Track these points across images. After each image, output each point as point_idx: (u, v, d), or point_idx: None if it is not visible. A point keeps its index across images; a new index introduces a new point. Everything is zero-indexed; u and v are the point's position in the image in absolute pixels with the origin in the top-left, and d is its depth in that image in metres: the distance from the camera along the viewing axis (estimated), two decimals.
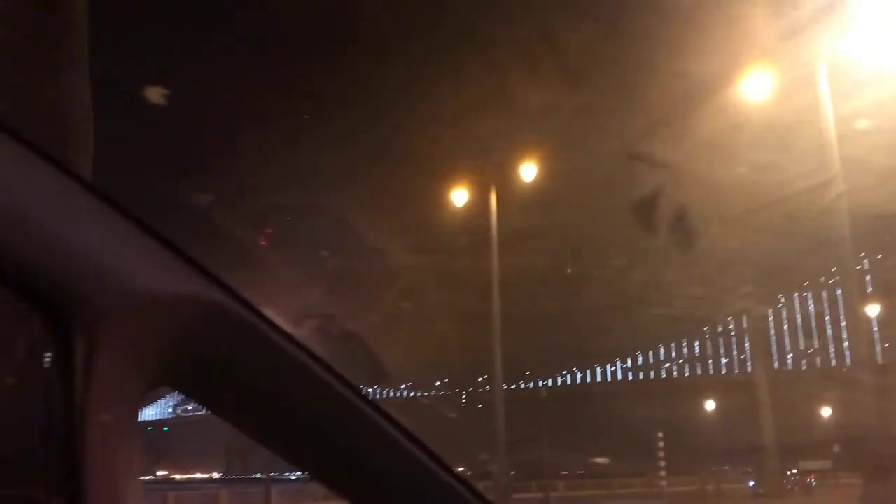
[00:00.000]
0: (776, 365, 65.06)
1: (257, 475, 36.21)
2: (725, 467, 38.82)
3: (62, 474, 0.69)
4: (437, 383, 69.24)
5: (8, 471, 0.77)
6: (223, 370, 0.83)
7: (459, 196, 20.76)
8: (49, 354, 0.74)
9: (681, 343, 72.42)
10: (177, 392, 0.89)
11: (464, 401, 66.60)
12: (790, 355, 70.18)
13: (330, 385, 0.88)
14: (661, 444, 31.27)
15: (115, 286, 0.73)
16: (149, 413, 61.72)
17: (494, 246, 19.31)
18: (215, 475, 58.72)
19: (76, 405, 0.70)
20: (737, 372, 65.66)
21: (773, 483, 31.86)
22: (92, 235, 0.74)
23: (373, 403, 0.91)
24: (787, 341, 70.44)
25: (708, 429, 46.76)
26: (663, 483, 31.03)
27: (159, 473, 51.66)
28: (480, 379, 57.63)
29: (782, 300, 67.91)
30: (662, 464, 31.18)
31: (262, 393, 0.86)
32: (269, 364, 0.84)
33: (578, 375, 74.60)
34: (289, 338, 0.85)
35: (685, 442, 39.14)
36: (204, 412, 0.90)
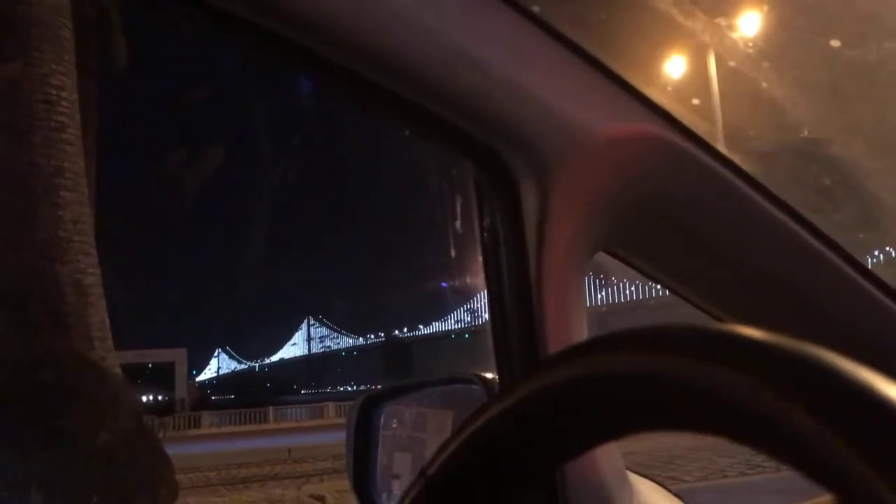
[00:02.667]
0: None
1: None
2: None
3: (517, 342, 0.67)
4: None
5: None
6: (675, 224, 0.73)
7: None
8: (489, 208, 0.69)
9: None
10: (618, 257, 0.77)
11: None
12: None
13: (804, 240, 0.74)
14: None
15: (566, 129, 0.66)
16: None
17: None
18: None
19: (528, 262, 0.66)
20: None
21: None
22: (539, 75, 0.66)
23: (854, 260, 0.75)
24: None
25: None
26: None
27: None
28: None
29: None
30: None
31: (722, 251, 0.75)
32: (730, 215, 0.73)
33: None
34: (754, 183, 0.72)
35: None
36: None
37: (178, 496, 7.81)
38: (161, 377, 44.35)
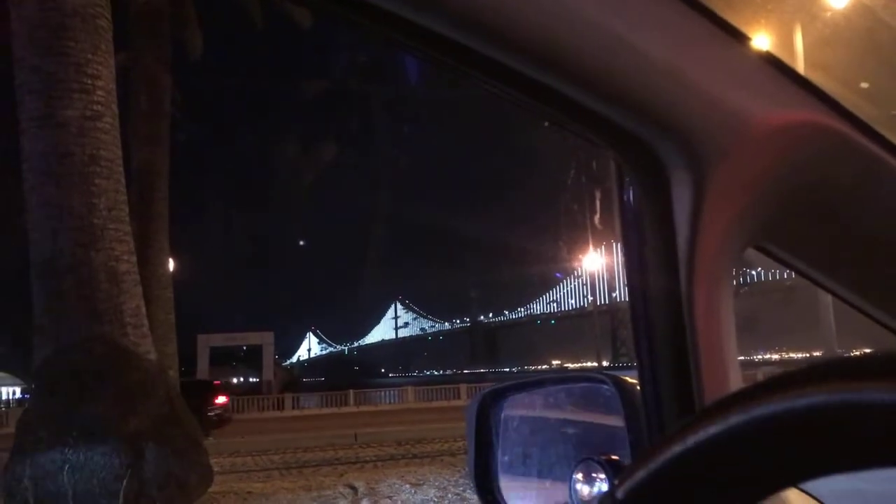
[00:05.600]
0: None
1: None
2: None
3: (664, 343, 0.64)
4: None
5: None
6: (837, 218, 0.70)
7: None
8: (633, 200, 0.67)
9: None
10: (769, 254, 0.72)
11: None
12: None
13: None
14: None
15: (725, 118, 0.62)
16: None
17: None
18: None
19: (677, 256, 0.63)
20: None
21: None
22: (698, 60, 0.62)
23: None
24: None
25: None
26: None
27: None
28: None
29: None
30: None
31: (891, 249, 0.71)
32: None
33: None
34: None
35: None
36: None
37: (219, 481, 7.93)
38: (255, 359, 45.97)
